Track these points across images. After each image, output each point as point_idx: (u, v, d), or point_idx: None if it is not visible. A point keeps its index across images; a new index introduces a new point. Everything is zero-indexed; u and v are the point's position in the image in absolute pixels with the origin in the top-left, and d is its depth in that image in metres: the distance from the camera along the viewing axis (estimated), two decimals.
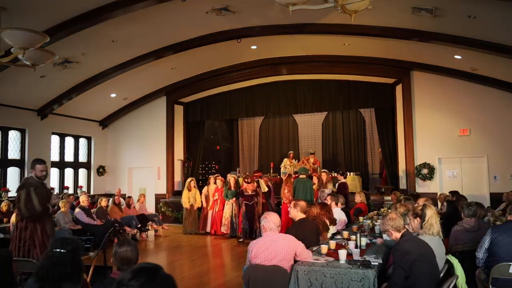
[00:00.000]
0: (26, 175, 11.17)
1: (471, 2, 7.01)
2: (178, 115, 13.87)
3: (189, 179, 11.14)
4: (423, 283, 3.16)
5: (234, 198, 10.17)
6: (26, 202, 4.82)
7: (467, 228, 4.78)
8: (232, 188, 10.22)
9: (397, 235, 3.51)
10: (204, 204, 10.84)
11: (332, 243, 4.29)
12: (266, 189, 10.14)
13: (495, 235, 4.02)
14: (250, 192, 9.75)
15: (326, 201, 6.85)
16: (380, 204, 10.26)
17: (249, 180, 9.83)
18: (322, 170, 10.81)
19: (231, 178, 10.41)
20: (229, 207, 10.20)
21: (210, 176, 11.47)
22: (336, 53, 11.14)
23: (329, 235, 5.54)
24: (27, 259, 4.69)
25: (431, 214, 3.87)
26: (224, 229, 10.17)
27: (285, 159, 13.44)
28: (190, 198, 10.87)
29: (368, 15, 7.76)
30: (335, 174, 10.96)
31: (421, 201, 5.52)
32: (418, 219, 3.95)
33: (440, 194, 9.45)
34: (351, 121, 14.89)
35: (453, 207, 6.62)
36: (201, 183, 12.70)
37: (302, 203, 5.06)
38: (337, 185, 9.92)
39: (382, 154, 12.55)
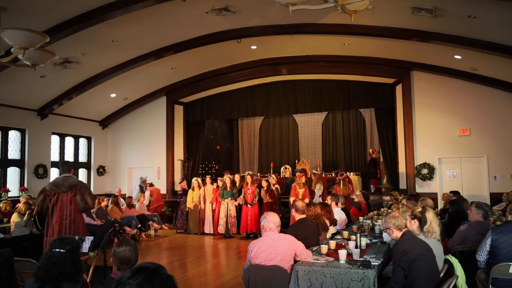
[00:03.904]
0: (26, 175, 11.21)
1: (471, 2, 7.01)
2: (178, 115, 13.87)
3: (193, 179, 11.13)
4: (421, 282, 3.16)
5: (230, 198, 10.24)
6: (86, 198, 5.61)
7: (479, 230, 4.54)
8: (228, 189, 10.29)
9: (397, 234, 3.50)
10: (203, 206, 10.83)
11: (332, 243, 4.27)
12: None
13: (497, 237, 3.95)
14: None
15: (326, 201, 6.85)
16: (379, 204, 10.25)
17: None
18: (313, 171, 10.83)
19: (227, 178, 10.46)
20: (225, 207, 10.24)
21: (206, 176, 11.49)
22: (336, 53, 11.13)
23: (329, 235, 5.53)
24: (26, 260, 4.69)
25: (432, 218, 3.75)
26: (220, 229, 10.20)
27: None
28: (194, 198, 10.87)
29: (368, 15, 7.76)
30: (334, 175, 10.96)
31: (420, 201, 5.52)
32: (415, 220, 3.82)
33: (444, 194, 9.51)
34: (351, 121, 14.89)
35: (459, 207, 6.52)
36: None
37: (300, 203, 5.02)
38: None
39: (382, 154, 12.54)
